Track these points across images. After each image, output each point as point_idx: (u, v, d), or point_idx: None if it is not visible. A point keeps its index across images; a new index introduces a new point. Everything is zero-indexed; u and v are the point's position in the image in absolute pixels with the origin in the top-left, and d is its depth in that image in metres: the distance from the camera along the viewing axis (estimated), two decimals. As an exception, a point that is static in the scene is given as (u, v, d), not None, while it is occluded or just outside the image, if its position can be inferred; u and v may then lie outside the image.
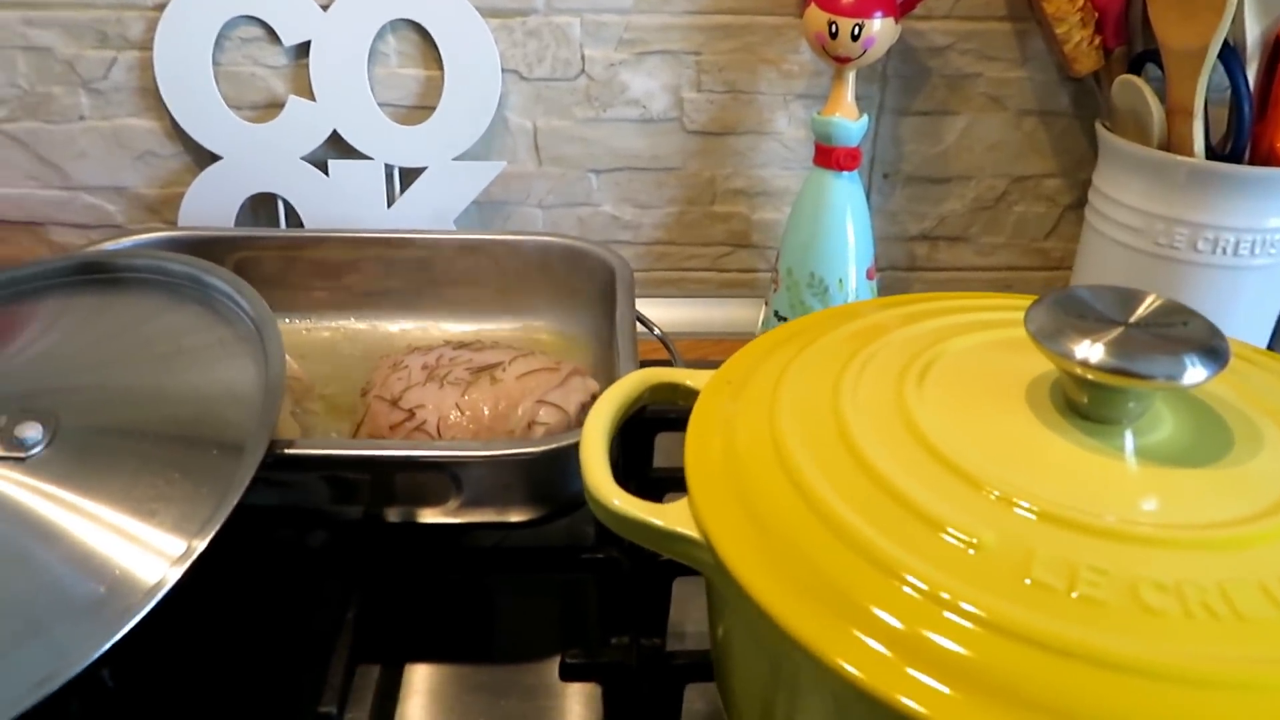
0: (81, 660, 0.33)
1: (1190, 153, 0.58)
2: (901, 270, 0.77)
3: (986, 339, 0.35)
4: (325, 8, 0.65)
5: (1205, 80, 0.56)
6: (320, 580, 0.45)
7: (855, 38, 0.60)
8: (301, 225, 0.69)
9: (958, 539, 0.26)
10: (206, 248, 0.59)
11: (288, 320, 0.61)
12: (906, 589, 0.25)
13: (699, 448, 0.32)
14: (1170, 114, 0.59)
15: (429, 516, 0.43)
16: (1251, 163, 0.59)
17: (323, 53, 0.66)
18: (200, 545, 0.36)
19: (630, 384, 0.36)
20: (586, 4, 0.66)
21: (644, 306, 0.74)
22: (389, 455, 0.41)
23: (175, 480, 0.39)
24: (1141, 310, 0.30)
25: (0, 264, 0.71)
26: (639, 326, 0.58)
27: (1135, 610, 0.24)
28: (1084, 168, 0.73)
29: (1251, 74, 0.57)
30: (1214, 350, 0.28)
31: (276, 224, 0.70)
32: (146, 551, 0.36)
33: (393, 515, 0.43)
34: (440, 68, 0.67)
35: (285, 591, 0.45)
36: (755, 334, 0.71)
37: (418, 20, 0.66)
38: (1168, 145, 0.60)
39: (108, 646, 0.33)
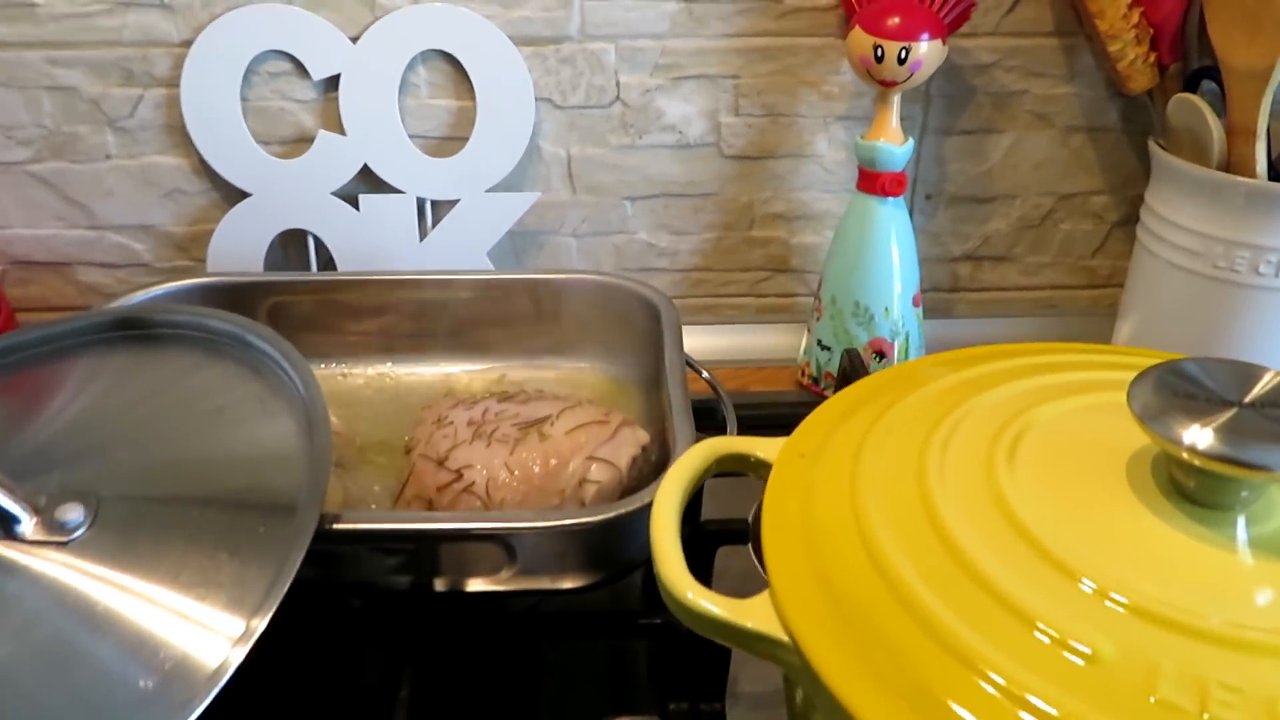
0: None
1: (1252, 173, 0.56)
2: (944, 291, 0.75)
3: (1078, 404, 0.33)
4: (354, 40, 0.64)
5: (1269, 100, 0.54)
6: (369, 654, 0.44)
7: (902, 61, 0.58)
8: (332, 261, 0.68)
9: (1058, 641, 0.25)
10: (239, 294, 0.58)
11: (323, 366, 0.60)
12: (994, 690, 0.24)
13: (778, 534, 0.31)
14: (1231, 134, 0.57)
15: (479, 585, 0.41)
16: (1313, 183, 0.57)
17: (352, 86, 0.64)
18: (260, 624, 0.35)
19: (695, 459, 0.34)
20: (622, 30, 0.64)
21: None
22: (442, 529, 0.39)
23: (226, 555, 0.37)
24: (1259, 389, 0.28)
25: (28, 304, 0.70)
26: (698, 368, 0.56)
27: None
28: (1132, 184, 0.71)
29: (1316, 92, 0.55)
30: (1338, 436, 0.26)
31: (307, 260, 0.68)
32: (204, 632, 0.35)
33: (443, 586, 0.41)
34: (472, 98, 0.65)
35: (333, 668, 0.44)
36: (797, 361, 0.70)
37: (449, 50, 0.64)
38: (1227, 165, 0.58)
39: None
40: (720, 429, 0.53)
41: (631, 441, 0.47)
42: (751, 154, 0.69)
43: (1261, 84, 0.54)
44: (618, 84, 0.66)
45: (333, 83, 0.65)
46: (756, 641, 0.28)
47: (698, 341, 0.73)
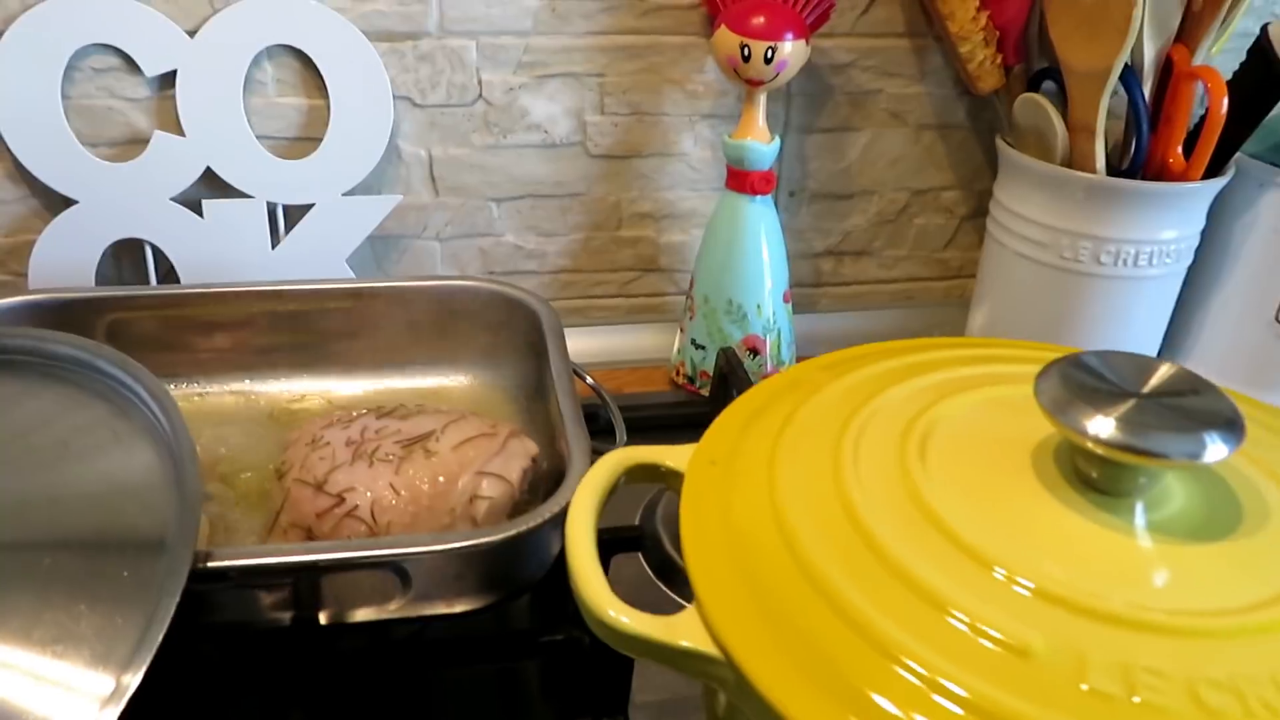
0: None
1: (1092, 169, 0.60)
2: (808, 287, 0.76)
3: (980, 398, 0.34)
4: (191, 33, 0.59)
5: (1107, 99, 0.57)
6: (250, 701, 0.40)
7: (768, 61, 0.58)
8: (174, 272, 0.63)
9: (1000, 643, 0.25)
10: (71, 312, 0.53)
11: (173, 386, 0.55)
12: (926, 687, 0.24)
13: (700, 546, 0.30)
14: (1072, 131, 0.60)
15: (370, 616, 0.39)
16: (1145, 177, 0.61)
17: (191, 83, 0.60)
18: (132, 680, 0.32)
19: (604, 472, 0.33)
20: (482, 26, 0.62)
21: (553, 338, 0.71)
22: (331, 559, 0.36)
23: (85, 606, 0.33)
24: (1155, 380, 0.29)
25: None
26: (583, 374, 0.55)
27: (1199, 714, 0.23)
28: (980, 179, 0.74)
29: (1146, 92, 0.59)
30: (1232, 424, 0.28)
31: (144, 272, 0.63)
32: (66, 695, 0.31)
33: (330, 619, 0.38)
34: (325, 96, 0.61)
35: (214, 707, 0.40)
36: (670, 361, 0.69)
37: (297, 45, 0.60)
38: (1069, 161, 0.61)
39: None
40: (604, 433, 0.53)
41: (521, 453, 0.46)
42: (618, 153, 0.68)
43: (1100, 84, 0.57)
44: (480, 82, 0.64)
45: (169, 80, 0.60)
46: (689, 659, 0.28)
47: (570, 343, 0.71)
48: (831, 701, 0.25)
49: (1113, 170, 0.61)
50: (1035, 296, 0.65)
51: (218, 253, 0.63)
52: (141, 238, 0.62)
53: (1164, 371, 0.29)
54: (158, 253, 0.63)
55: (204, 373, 0.56)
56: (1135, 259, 0.61)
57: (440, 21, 0.62)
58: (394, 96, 0.62)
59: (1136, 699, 0.24)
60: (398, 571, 0.37)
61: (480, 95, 0.64)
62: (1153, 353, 0.67)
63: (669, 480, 0.34)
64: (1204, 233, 0.63)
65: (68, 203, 0.60)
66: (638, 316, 0.74)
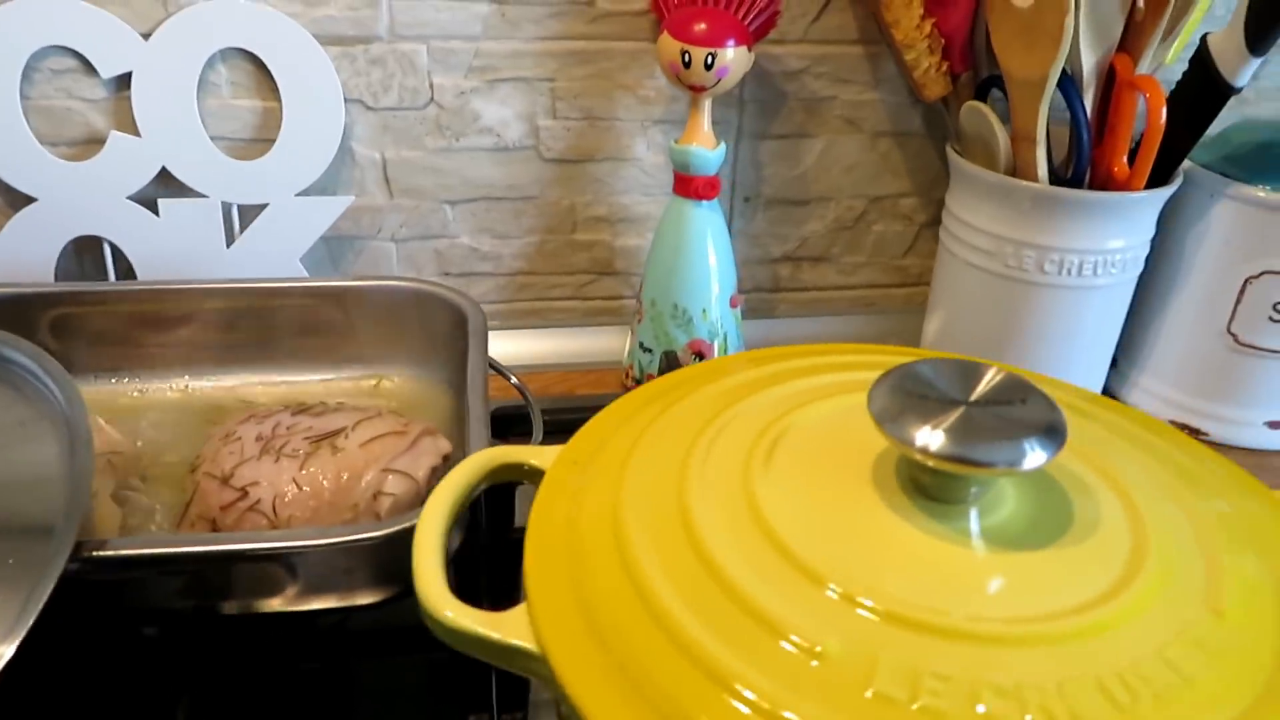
0: None
1: (1035, 178, 0.60)
2: (767, 292, 0.77)
3: (839, 406, 0.34)
4: (146, 36, 0.60)
5: (1046, 108, 0.57)
6: (149, 680, 0.41)
7: (709, 67, 0.59)
8: (131, 269, 0.64)
9: (799, 646, 0.25)
10: (17, 306, 0.54)
11: (114, 381, 0.56)
12: (739, 702, 0.24)
13: (540, 544, 0.30)
14: (1015, 140, 0.60)
15: (265, 606, 0.40)
16: (1091, 186, 0.60)
17: (146, 84, 0.61)
18: (8, 650, 0.33)
19: (467, 471, 0.34)
20: (433, 30, 0.63)
21: (507, 339, 0.72)
22: (212, 550, 0.37)
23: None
24: (982, 387, 0.29)
25: None
26: (506, 373, 0.56)
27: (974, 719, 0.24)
28: (938, 186, 0.74)
29: (1089, 101, 0.58)
30: (1052, 430, 0.28)
31: (103, 269, 0.64)
32: None
33: (226, 608, 0.39)
34: (278, 98, 0.63)
35: (111, 694, 0.42)
36: (621, 363, 0.70)
37: (250, 49, 0.62)
38: (1014, 170, 0.61)
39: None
40: (531, 435, 0.53)
41: (432, 451, 0.46)
42: (571, 157, 0.69)
43: (1038, 92, 0.57)
44: (431, 85, 0.65)
45: (125, 81, 0.61)
46: (511, 655, 0.28)
47: (523, 346, 0.73)
48: (641, 709, 0.25)
49: (1058, 179, 0.60)
50: (984, 305, 0.65)
51: (174, 251, 0.64)
52: (100, 235, 0.64)
53: (992, 378, 0.29)
54: (116, 250, 0.64)
55: (147, 368, 0.57)
56: (1080, 268, 0.61)
57: (391, 26, 0.63)
58: (346, 99, 0.64)
59: (916, 705, 0.24)
60: (284, 564, 0.38)
61: (432, 99, 0.65)
62: (1105, 363, 0.67)
63: (536, 480, 0.35)
64: (1155, 242, 0.63)
65: (27, 200, 0.62)
66: (594, 319, 0.75)
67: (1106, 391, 0.70)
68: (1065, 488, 0.31)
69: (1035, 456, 0.27)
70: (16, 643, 0.33)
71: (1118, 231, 0.60)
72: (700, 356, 0.66)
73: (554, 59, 0.65)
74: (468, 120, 0.66)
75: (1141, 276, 0.64)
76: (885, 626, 0.26)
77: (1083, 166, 0.60)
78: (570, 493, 0.32)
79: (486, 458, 0.35)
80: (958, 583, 0.28)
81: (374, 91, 0.64)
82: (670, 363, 0.63)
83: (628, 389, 0.69)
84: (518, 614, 0.29)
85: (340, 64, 0.63)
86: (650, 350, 0.67)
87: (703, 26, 0.59)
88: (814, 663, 0.25)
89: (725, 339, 0.66)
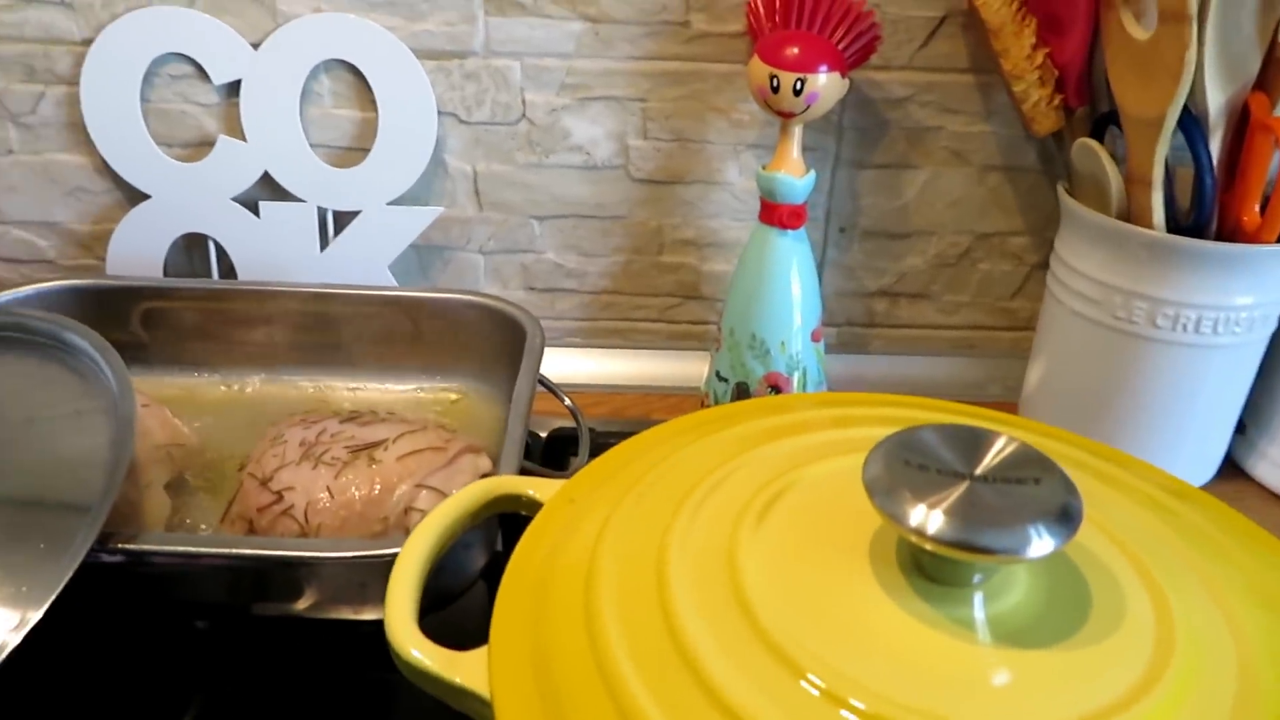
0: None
1: (1150, 224, 0.55)
2: (860, 326, 0.73)
3: (844, 465, 0.32)
4: (256, 46, 0.63)
5: (1164, 150, 0.53)
6: (163, 676, 0.42)
7: (797, 93, 0.57)
8: (233, 267, 0.67)
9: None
10: (109, 298, 0.57)
11: (197, 375, 0.59)
12: None
13: (515, 584, 0.29)
14: (1130, 182, 0.55)
15: (279, 611, 0.40)
16: (1218, 236, 0.55)
17: (254, 92, 0.64)
18: (34, 616, 0.35)
19: (465, 499, 0.33)
20: (526, 47, 0.63)
21: (589, 358, 0.72)
22: (223, 553, 0.38)
23: (7, 558, 0.37)
24: (989, 458, 0.26)
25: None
26: (559, 393, 0.55)
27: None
28: (1052, 226, 0.69)
29: (1215, 144, 0.53)
30: (1065, 515, 0.25)
31: (208, 264, 0.68)
32: None
33: (240, 610, 0.40)
34: (375, 109, 0.64)
35: (130, 684, 0.43)
36: (700, 390, 0.68)
37: (351, 61, 0.63)
38: (1128, 214, 0.56)
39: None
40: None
41: (470, 469, 0.46)
42: (660, 178, 0.68)
43: (1155, 131, 0.52)
44: (524, 102, 0.65)
45: (235, 88, 0.64)
46: (463, 698, 0.27)
47: (605, 366, 0.72)
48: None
49: (1178, 227, 0.55)
50: (1089, 358, 0.60)
51: (271, 251, 0.67)
52: (205, 233, 0.67)
53: (1001, 447, 0.26)
54: (220, 248, 0.67)
55: (226, 365, 0.60)
56: (1198, 325, 0.56)
57: (486, 42, 0.63)
58: (440, 112, 0.65)
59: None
60: (298, 573, 0.39)
61: (524, 115, 0.65)
62: (1226, 430, 0.61)
63: (534, 513, 0.34)
64: (1290, 301, 0.57)
65: (143, 197, 0.66)
66: (677, 343, 0.73)
67: (1230, 460, 0.64)
68: (1084, 572, 0.27)
69: (1042, 544, 0.24)
70: (42, 610, 0.35)
71: (1245, 287, 0.55)
72: (776, 390, 0.64)
73: (646, 79, 0.64)
74: (558, 137, 0.66)
75: (1276, 335, 0.58)
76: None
77: (1205, 214, 0.54)
78: (557, 532, 0.31)
79: (484, 488, 0.34)
80: (955, 680, 0.25)
81: (467, 105, 0.65)
82: (742, 395, 0.61)
83: (702, 417, 0.67)
84: (478, 656, 0.28)
85: (436, 78, 0.64)
86: (726, 380, 0.65)
87: (794, 51, 0.57)
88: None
89: (804, 373, 0.64)
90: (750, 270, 0.63)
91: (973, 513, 0.25)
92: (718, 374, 0.66)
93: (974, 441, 0.27)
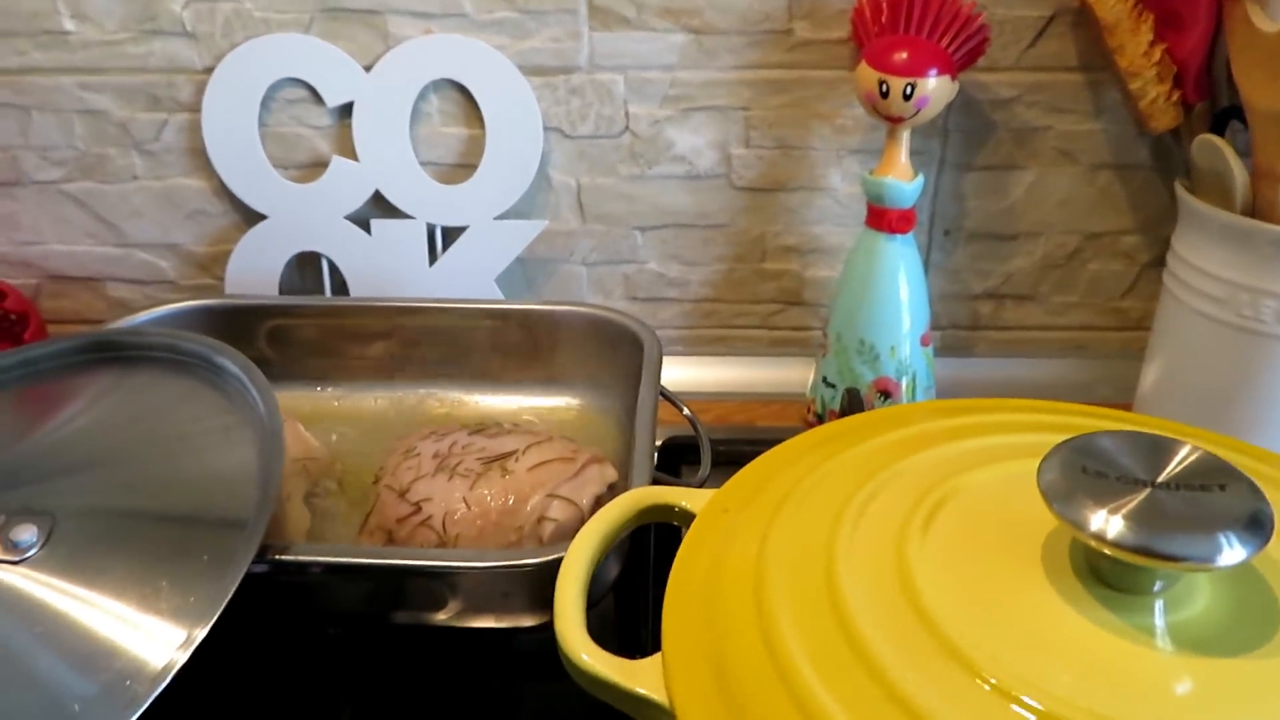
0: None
1: (1277, 220, 0.53)
2: (965, 329, 0.73)
3: (1009, 471, 0.32)
4: (368, 69, 0.65)
5: (1295, 144, 0.51)
6: (318, 679, 0.44)
7: (907, 98, 0.56)
8: (344, 284, 0.69)
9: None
10: (241, 316, 0.59)
11: (319, 389, 0.61)
12: None
13: (681, 593, 0.30)
14: (1256, 177, 0.54)
15: (426, 620, 0.41)
16: (1353, 232, 0.53)
17: (365, 113, 0.66)
18: (200, 633, 0.36)
19: (616, 511, 0.34)
20: (630, 61, 0.64)
21: (692, 366, 0.72)
22: (370, 563, 0.39)
23: (174, 571, 0.38)
24: (1173, 466, 0.26)
25: (61, 317, 0.73)
26: (678, 403, 0.55)
27: None
28: (1164, 224, 0.67)
29: (1349, 136, 0.52)
30: (1256, 522, 0.25)
31: (321, 281, 0.70)
32: (149, 640, 0.36)
33: (392, 618, 0.41)
34: (482, 126, 0.66)
35: (282, 691, 0.44)
36: (805, 395, 0.68)
37: (459, 80, 0.65)
38: (1253, 210, 0.55)
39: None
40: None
41: (598, 479, 0.47)
42: (763, 186, 0.68)
43: (1285, 127, 0.51)
44: (627, 114, 0.66)
45: (347, 110, 0.66)
46: (640, 705, 0.28)
47: (708, 374, 0.72)
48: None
49: (1306, 222, 0.54)
50: (1212, 359, 0.58)
51: (382, 267, 0.68)
52: (319, 251, 0.69)
53: (1184, 456, 0.26)
54: (332, 265, 0.69)
55: (350, 379, 0.61)
56: (1331, 323, 0.54)
57: (590, 57, 0.64)
58: (545, 127, 0.66)
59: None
60: (445, 582, 0.39)
61: (627, 127, 0.66)
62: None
63: (686, 523, 0.34)
64: None
65: (260, 218, 0.68)
66: (780, 350, 0.73)
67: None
68: (1271, 583, 0.27)
69: (1233, 553, 0.24)
70: (208, 627, 0.36)
71: (1379, 283, 0.53)
72: (886, 395, 0.63)
73: (749, 88, 0.65)
74: (661, 148, 0.67)
75: None
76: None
77: (1338, 208, 0.53)
78: (717, 541, 0.31)
79: (636, 498, 0.34)
80: (1135, 687, 0.25)
81: (572, 120, 0.66)
82: (853, 400, 0.61)
83: (809, 424, 0.67)
84: (652, 664, 0.28)
85: (541, 93, 0.65)
86: (834, 386, 0.65)
87: (903, 56, 0.56)
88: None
89: (914, 378, 0.63)
90: (857, 275, 0.63)
91: (1158, 520, 0.25)
92: (825, 380, 0.65)
93: (1152, 448, 0.27)
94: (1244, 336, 0.56)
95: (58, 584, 0.38)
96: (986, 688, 0.25)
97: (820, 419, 0.66)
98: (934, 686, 0.25)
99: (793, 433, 0.66)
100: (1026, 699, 0.24)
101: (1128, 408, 0.66)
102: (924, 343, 0.63)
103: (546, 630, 0.42)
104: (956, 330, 0.72)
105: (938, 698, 0.24)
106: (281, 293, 0.70)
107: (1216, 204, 0.56)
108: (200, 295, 0.66)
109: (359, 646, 0.43)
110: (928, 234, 0.69)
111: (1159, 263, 0.69)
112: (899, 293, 0.62)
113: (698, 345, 0.73)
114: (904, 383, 0.63)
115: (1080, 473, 0.26)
